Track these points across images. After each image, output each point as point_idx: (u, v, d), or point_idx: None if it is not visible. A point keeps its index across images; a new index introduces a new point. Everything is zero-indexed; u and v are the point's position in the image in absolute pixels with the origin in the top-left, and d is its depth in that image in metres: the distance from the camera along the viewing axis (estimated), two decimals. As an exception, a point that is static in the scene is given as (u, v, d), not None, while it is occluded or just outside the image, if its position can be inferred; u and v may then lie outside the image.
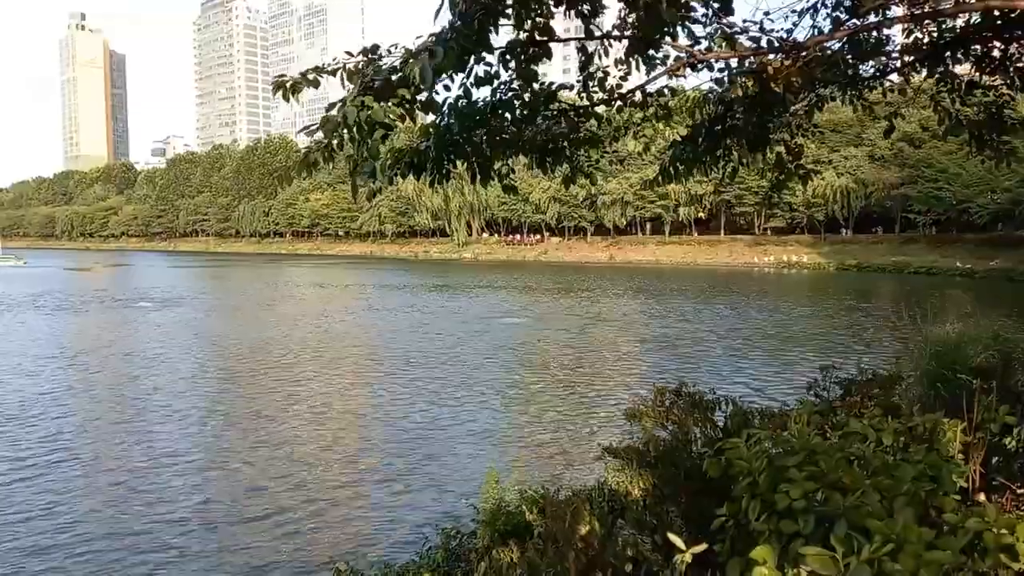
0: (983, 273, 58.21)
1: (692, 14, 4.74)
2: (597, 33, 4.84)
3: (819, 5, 5.61)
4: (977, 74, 6.05)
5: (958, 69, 6.05)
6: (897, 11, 5.58)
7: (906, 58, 6.03)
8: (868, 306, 39.92)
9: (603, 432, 14.08)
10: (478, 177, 4.86)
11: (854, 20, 5.36)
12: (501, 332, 30.66)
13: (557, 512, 4.58)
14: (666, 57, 4.89)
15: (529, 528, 5.47)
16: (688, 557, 2.69)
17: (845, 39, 5.30)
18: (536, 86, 4.66)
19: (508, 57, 4.40)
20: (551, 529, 4.57)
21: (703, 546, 2.73)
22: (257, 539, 10.27)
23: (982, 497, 3.59)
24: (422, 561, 6.76)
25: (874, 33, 5.44)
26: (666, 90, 5.63)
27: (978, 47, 5.82)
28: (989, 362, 6.19)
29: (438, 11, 3.83)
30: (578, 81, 5.26)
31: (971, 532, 2.37)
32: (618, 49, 4.92)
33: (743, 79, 5.21)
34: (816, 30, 5.49)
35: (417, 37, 3.98)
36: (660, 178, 6.25)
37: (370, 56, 3.99)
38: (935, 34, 5.77)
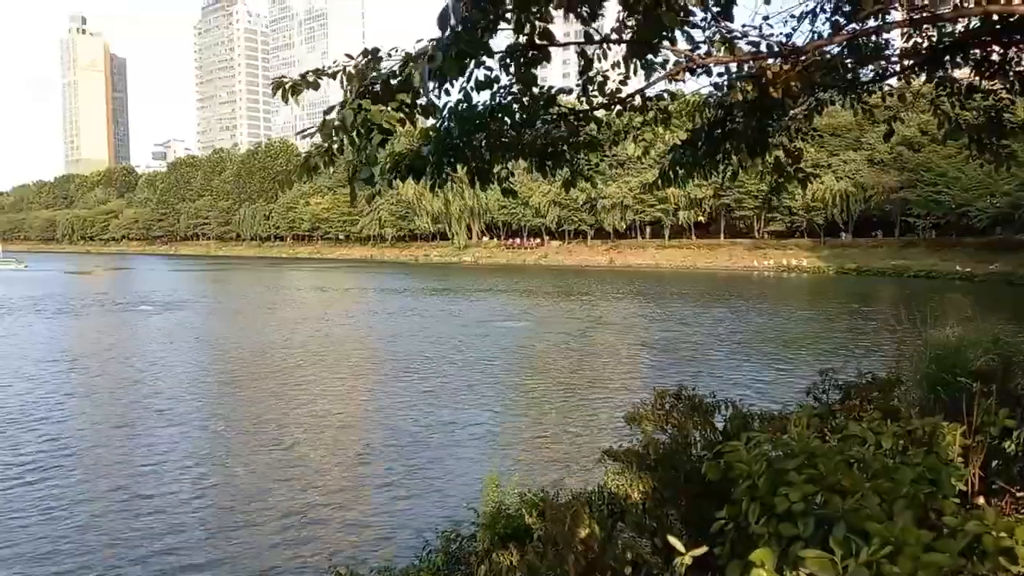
0: (982, 277, 58.16)
1: (691, 18, 4.75)
2: (596, 37, 4.85)
3: (818, 9, 5.62)
4: (976, 78, 6.05)
5: (957, 73, 6.06)
6: (896, 15, 5.58)
7: (905, 62, 6.03)
8: (868, 310, 39.90)
9: (603, 435, 14.09)
10: (478, 181, 4.86)
11: (853, 24, 5.36)
12: (501, 336, 30.65)
13: (557, 515, 4.58)
14: (665, 61, 4.90)
15: (529, 531, 5.46)
16: (688, 560, 2.69)
17: (844, 43, 5.30)
18: (536, 90, 4.66)
19: (508, 61, 4.41)
20: (551, 532, 4.57)
21: (703, 549, 2.73)
22: (257, 543, 10.27)
23: (981, 500, 3.59)
24: (422, 564, 6.75)
25: (873, 37, 5.44)
26: (666, 94, 5.63)
27: (977, 51, 5.82)
28: (989, 366, 6.17)
29: (443, 18, 3.75)
30: (577, 85, 5.25)
31: (970, 535, 2.37)
32: (617, 53, 4.92)
33: (742, 83, 5.22)
34: (815, 34, 5.50)
35: (417, 41, 3.98)
36: (660, 182, 6.26)
37: (369, 59, 3.99)
38: (934, 38, 5.78)
